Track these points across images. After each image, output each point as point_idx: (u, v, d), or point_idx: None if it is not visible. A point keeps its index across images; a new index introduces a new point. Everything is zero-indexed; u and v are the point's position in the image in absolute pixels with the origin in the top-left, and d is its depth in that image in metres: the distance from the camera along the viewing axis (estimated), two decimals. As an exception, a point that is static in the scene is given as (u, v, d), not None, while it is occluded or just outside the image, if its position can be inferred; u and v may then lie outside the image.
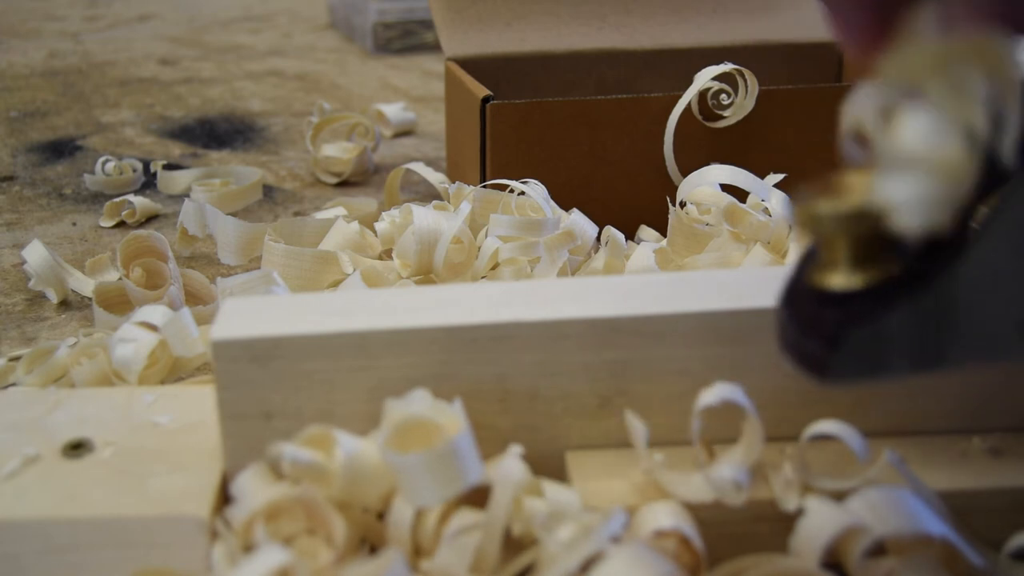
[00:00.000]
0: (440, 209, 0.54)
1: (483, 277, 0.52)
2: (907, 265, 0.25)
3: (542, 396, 0.33)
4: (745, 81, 0.58)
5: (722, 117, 0.59)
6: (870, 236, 0.25)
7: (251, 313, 0.34)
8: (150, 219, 0.70)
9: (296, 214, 0.70)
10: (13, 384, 0.45)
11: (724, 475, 0.30)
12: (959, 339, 0.25)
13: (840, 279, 0.26)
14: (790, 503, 0.31)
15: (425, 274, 0.51)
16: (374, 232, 0.57)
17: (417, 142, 0.90)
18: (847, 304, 0.25)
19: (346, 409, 0.33)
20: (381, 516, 0.32)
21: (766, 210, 0.53)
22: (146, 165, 0.79)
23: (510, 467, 0.30)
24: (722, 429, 0.33)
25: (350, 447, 0.31)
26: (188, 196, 0.67)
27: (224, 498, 0.33)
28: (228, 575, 0.29)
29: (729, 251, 0.50)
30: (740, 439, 0.32)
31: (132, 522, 0.31)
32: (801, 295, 0.27)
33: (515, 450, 0.31)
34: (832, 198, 0.25)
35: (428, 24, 1.30)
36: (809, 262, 0.27)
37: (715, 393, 0.31)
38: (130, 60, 1.24)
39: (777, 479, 0.32)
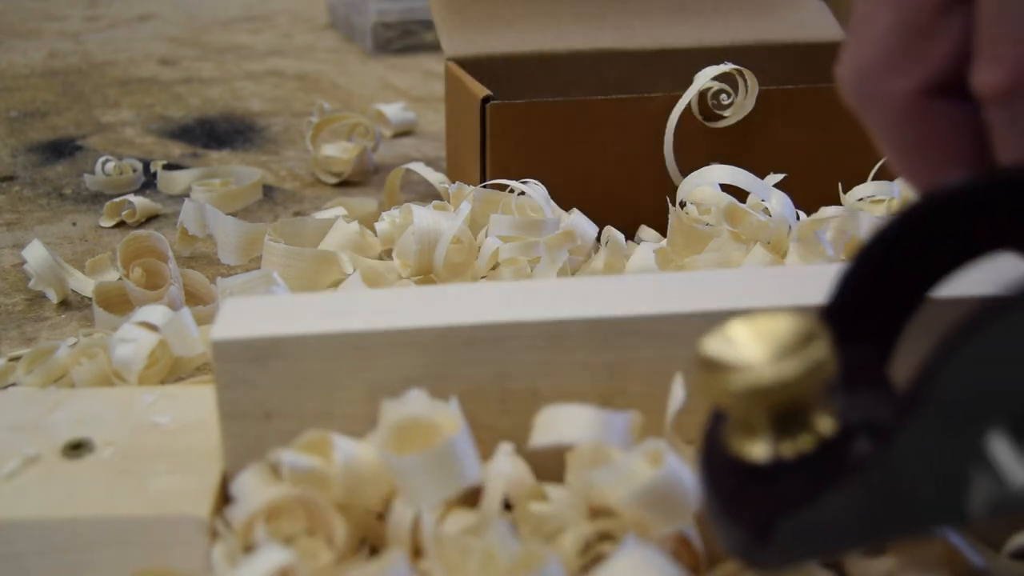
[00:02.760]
0: (440, 209, 0.54)
1: (483, 277, 0.52)
2: (840, 430, 0.22)
3: (542, 396, 0.33)
4: (745, 81, 0.58)
5: (722, 117, 0.59)
6: (792, 406, 0.22)
7: (251, 313, 0.34)
8: (150, 219, 0.70)
9: (296, 214, 0.70)
10: (13, 384, 0.45)
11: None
12: (903, 510, 0.22)
13: (762, 449, 0.23)
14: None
15: (425, 274, 0.51)
16: (374, 232, 0.57)
17: (417, 142, 0.90)
18: (775, 483, 0.22)
19: (346, 409, 0.33)
20: (381, 516, 0.32)
21: (766, 210, 0.53)
22: (146, 165, 0.79)
23: (501, 466, 0.30)
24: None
25: (348, 451, 0.31)
26: (188, 196, 0.67)
27: (224, 498, 0.33)
28: (228, 575, 0.29)
29: (729, 251, 0.50)
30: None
31: (132, 522, 0.31)
32: (720, 464, 0.24)
33: (506, 448, 0.31)
34: (739, 369, 0.22)
35: (428, 24, 1.30)
36: (723, 420, 0.24)
37: None
38: (130, 60, 1.24)
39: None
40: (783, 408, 0.22)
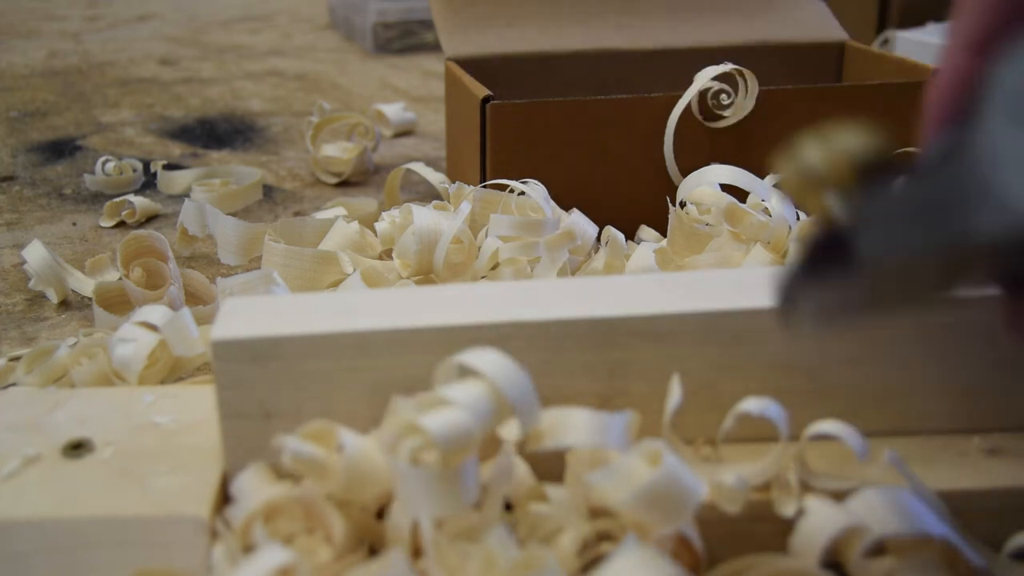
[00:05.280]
0: (440, 209, 0.54)
1: (483, 277, 0.52)
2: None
3: (542, 396, 0.33)
4: (745, 81, 0.58)
5: (722, 117, 0.59)
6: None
7: (251, 313, 0.34)
8: (150, 219, 0.70)
9: (296, 214, 0.70)
10: (13, 384, 0.45)
11: (731, 482, 0.30)
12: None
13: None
14: (788, 508, 0.31)
15: (425, 274, 0.51)
16: (374, 232, 0.57)
17: (417, 142, 0.90)
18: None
19: (346, 409, 0.33)
20: (380, 515, 0.32)
21: (766, 210, 0.53)
22: (146, 165, 0.79)
23: (503, 466, 0.30)
24: (703, 428, 0.33)
25: (351, 443, 0.31)
26: (188, 196, 0.67)
27: (224, 498, 0.33)
28: (228, 575, 0.29)
29: (729, 251, 0.50)
30: (765, 455, 0.32)
31: (132, 522, 0.31)
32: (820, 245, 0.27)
33: (508, 448, 0.31)
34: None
35: (428, 24, 1.30)
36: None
37: (757, 405, 0.31)
38: (130, 60, 1.24)
39: (776, 483, 0.32)
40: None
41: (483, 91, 0.58)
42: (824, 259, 0.27)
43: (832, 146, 0.26)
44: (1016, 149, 0.23)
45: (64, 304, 0.56)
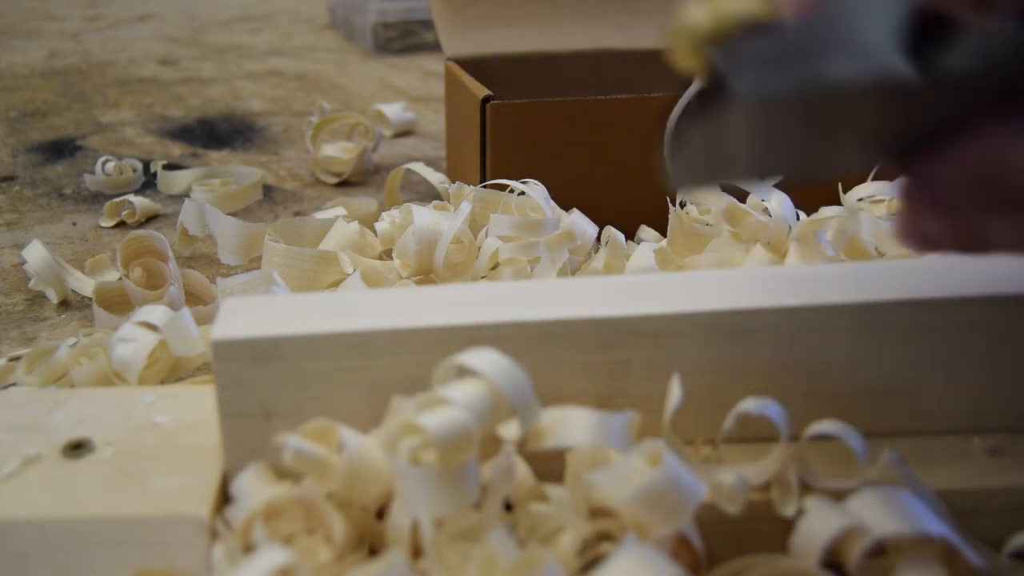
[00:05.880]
0: (440, 209, 0.54)
1: (483, 277, 0.52)
2: None
3: (542, 396, 0.33)
4: (745, 81, 0.58)
5: (722, 117, 0.58)
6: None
7: (251, 313, 0.34)
8: (150, 219, 0.70)
9: (296, 214, 0.70)
10: (13, 384, 0.45)
11: (731, 482, 0.30)
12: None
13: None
14: (788, 508, 0.31)
15: (425, 274, 0.51)
16: (374, 232, 0.57)
17: (417, 142, 0.90)
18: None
19: (346, 409, 0.33)
20: (380, 515, 0.32)
21: (766, 210, 0.53)
22: (146, 165, 0.79)
23: (503, 466, 0.30)
24: (703, 428, 0.33)
25: (352, 442, 0.31)
26: (188, 196, 0.67)
27: (224, 498, 0.33)
28: (228, 575, 0.29)
29: (729, 251, 0.50)
30: (765, 455, 0.32)
31: (132, 522, 0.31)
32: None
33: (508, 449, 0.31)
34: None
35: (428, 24, 1.30)
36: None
37: (757, 405, 0.31)
38: (130, 60, 1.24)
39: (776, 483, 0.32)
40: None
41: (483, 91, 0.58)
42: (704, 107, 0.28)
43: (717, 8, 0.27)
44: (872, 2, 0.26)
45: (64, 304, 0.56)
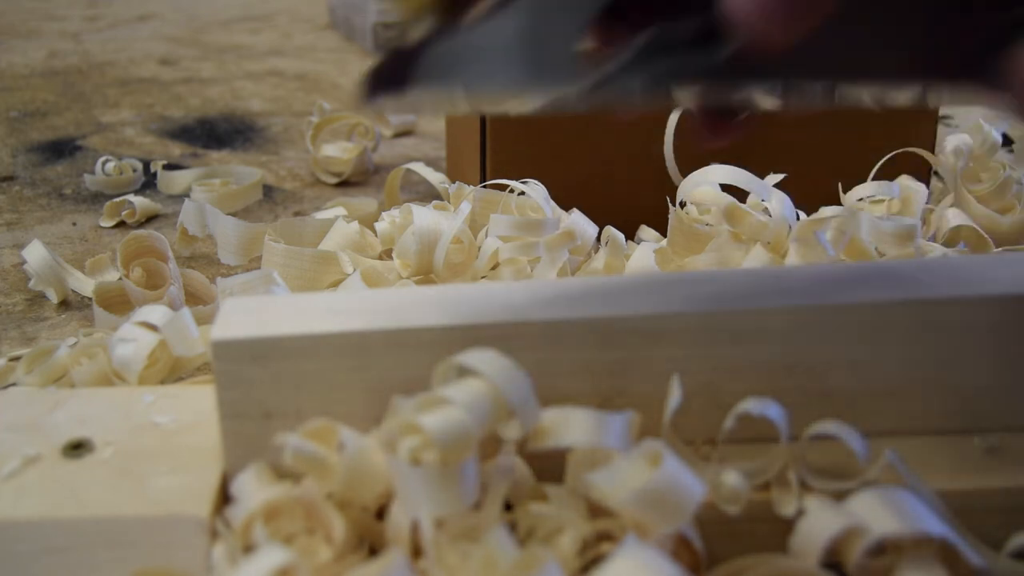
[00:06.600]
0: (440, 209, 0.54)
1: (483, 277, 0.52)
2: None
3: (542, 396, 0.33)
4: (745, 81, 0.58)
5: (722, 117, 0.58)
6: None
7: (251, 313, 0.34)
8: (150, 219, 0.70)
9: (296, 214, 0.70)
10: (13, 384, 0.45)
11: (731, 482, 0.30)
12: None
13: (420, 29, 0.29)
14: (788, 508, 0.31)
15: (425, 274, 0.51)
16: (374, 232, 0.57)
17: (417, 142, 0.90)
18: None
19: (346, 409, 0.33)
20: (380, 515, 0.32)
21: (766, 210, 0.53)
22: (146, 165, 0.79)
23: (503, 466, 0.30)
24: (703, 428, 0.33)
25: (352, 442, 0.31)
26: (188, 196, 0.67)
27: (224, 498, 0.33)
28: (228, 575, 0.29)
29: (729, 251, 0.50)
30: (765, 455, 0.32)
31: (132, 522, 0.31)
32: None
33: (508, 449, 0.31)
34: None
35: None
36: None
37: (757, 405, 0.31)
38: (130, 60, 1.24)
39: (776, 483, 0.32)
40: None
41: (483, 91, 0.58)
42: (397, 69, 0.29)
43: None
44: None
45: (64, 304, 0.56)
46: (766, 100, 0.30)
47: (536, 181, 0.55)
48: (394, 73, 0.29)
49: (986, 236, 0.55)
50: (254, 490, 0.32)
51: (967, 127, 0.66)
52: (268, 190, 0.75)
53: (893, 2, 0.29)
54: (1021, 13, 0.28)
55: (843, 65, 0.30)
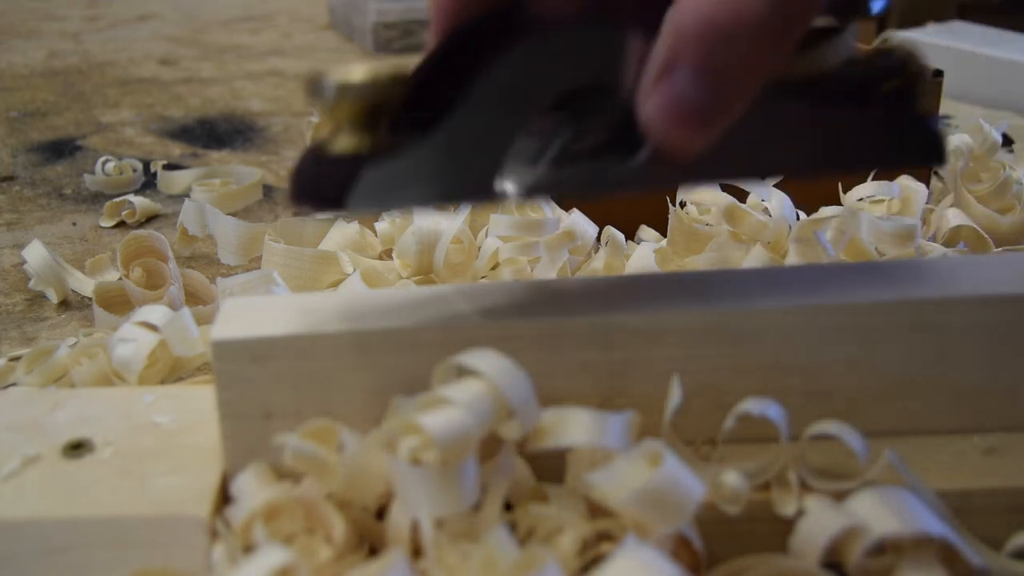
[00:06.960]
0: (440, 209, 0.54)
1: (483, 277, 0.52)
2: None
3: (542, 396, 0.33)
4: (745, 81, 0.58)
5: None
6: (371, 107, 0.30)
7: (251, 313, 0.34)
8: (150, 219, 0.70)
9: (296, 214, 0.70)
10: (13, 384, 0.45)
11: (731, 482, 0.30)
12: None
13: (346, 142, 0.30)
14: (788, 508, 0.31)
15: (425, 274, 0.51)
16: (374, 232, 0.57)
17: (417, 142, 0.90)
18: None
19: (346, 409, 0.33)
20: (380, 515, 0.32)
21: (766, 210, 0.53)
22: (146, 165, 0.79)
23: (503, 466, 0.30)
24: (703, 428, 0.33)
25: (352, 442, 0.31)
26: (188, 196, 0.67)
27: (224, 498, 0.33)
28: (228, 575, 0.29)
29: (729, 251, 0.50)
30: (765, 455, 0.32)
31: (132, 522, 0.31)
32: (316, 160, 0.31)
33: (508, 449, 0.31)
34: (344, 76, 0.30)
35: (428, 24, 1.29)
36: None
37: (757, 405, 0.31)
38: (130, 60, 1.24)
39: (776, 483, 0.32)
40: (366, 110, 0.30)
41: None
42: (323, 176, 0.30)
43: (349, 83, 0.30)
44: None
45: (64, 304, 0.56)
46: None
47: (536, 181, 0.55)
48: (321, 186, 0.30)
49: (986, 236, 0.55)
50: (254, 490, 0.32)
51: (967, 127, 0.66)
52: (268, 190, 0.75)
53: (787, 102, 0.31)
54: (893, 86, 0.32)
55: (751, 162, 0.32)
